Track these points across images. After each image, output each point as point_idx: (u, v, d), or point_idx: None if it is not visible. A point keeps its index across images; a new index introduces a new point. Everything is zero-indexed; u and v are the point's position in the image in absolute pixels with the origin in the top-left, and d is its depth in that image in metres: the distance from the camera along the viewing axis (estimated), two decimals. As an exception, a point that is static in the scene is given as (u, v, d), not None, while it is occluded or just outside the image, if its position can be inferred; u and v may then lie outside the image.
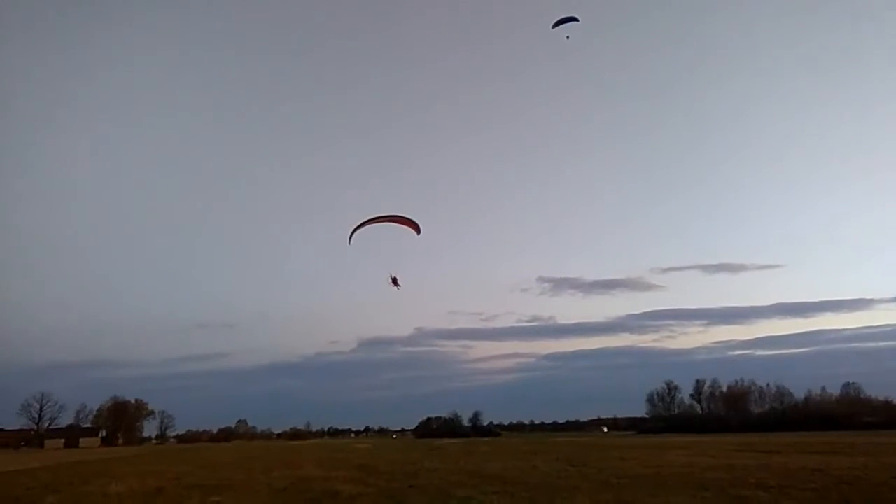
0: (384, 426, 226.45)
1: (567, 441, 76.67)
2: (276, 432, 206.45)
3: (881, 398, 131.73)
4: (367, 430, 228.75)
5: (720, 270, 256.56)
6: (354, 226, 33.47)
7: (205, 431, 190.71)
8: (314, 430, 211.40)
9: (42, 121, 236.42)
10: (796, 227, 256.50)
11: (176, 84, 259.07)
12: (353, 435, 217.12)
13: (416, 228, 33.86)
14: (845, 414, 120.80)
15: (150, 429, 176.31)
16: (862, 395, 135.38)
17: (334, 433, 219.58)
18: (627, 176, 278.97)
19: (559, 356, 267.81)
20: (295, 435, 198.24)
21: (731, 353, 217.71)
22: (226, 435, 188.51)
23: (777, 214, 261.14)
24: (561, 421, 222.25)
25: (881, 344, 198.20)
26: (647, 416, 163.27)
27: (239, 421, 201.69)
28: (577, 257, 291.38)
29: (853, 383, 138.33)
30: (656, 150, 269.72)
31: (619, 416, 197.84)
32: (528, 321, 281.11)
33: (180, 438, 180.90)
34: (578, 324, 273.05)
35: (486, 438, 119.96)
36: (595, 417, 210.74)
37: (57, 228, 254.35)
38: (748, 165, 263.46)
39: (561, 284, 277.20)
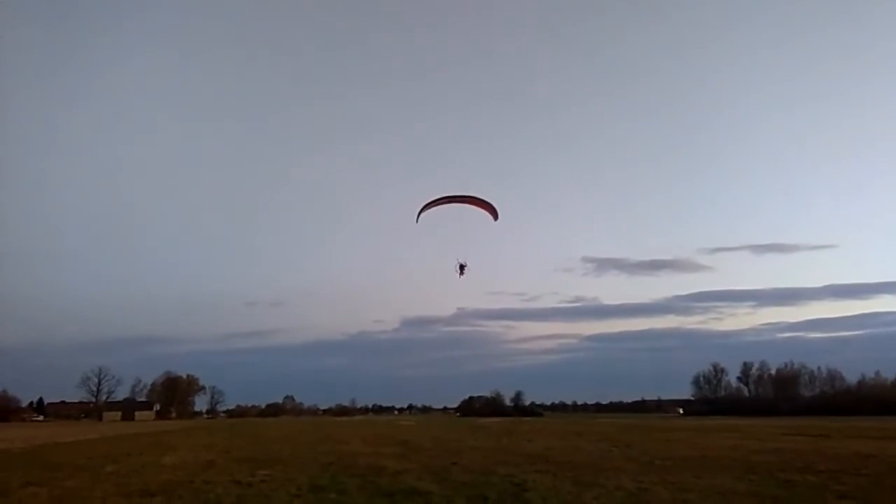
0: (427, 404, 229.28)
1: (610, 422, 76.24)
2: (321, 408, 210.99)
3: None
4: (410, 407, 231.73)
5: (770, 251, 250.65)
6: (424, 203, 31.06)
7: (253, 406, 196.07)
8: (359, 406, 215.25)
9: (86, 94, 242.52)
10: (850, 207, 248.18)
11: (236, 65, 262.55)
12: (396, 412, 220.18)
13: (494, 213, 31.37)
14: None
15: (201, 403, 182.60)
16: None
17: (378, 410, 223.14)
18: (674, 154, 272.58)
19: (603, 337, 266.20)
20: (340, 411, 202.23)
21: (780, 335, 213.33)
22: (273, 410, 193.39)
23: (830, 194, 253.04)
24: (604, 402, 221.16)
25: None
26: (692, 398, 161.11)
27: (286, 397, 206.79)
28: (622, 238, 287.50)
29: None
30: (704, 127, 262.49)
31: (663, 398, 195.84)
32: (571, 302, 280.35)
33: (230, 413, 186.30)
34: (623, 305, 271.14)
35: (528, 418, 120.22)
36: (639, 399, 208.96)
37: (114, 208, 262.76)
38: (801, 144, 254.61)
39: (605, 265, 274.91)
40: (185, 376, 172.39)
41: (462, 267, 31.45)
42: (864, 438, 33.30)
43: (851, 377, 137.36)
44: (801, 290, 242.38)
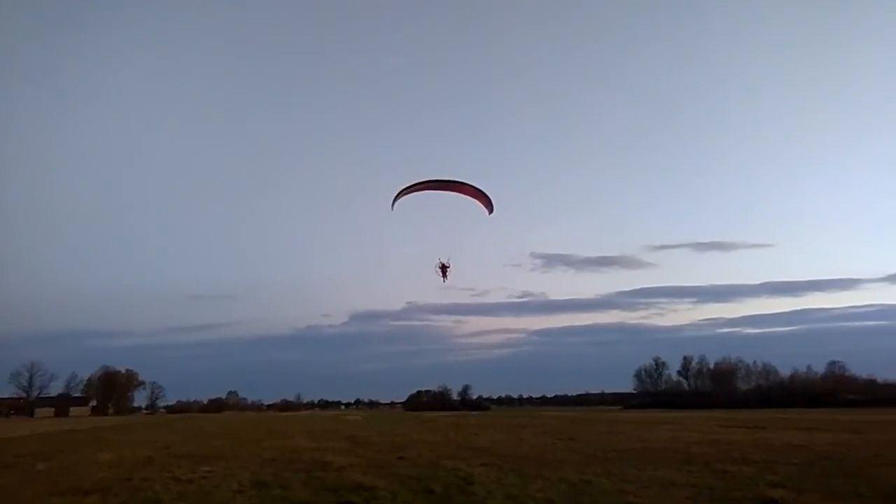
0: (374, 399, 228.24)
1: (554, 415, 77.51)
2: (266, 404, 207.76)
3: (865, 376, 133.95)
4: (357, 402, 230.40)
5: (711, 248, 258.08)
6: (402, 188, 27.23)
7: (195, 402, 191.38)
8: (305, 401, 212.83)
9: (36, 93, 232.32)
10: (787, 207, 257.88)
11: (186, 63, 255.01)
12: (343, 407, 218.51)
13: (489, 205, 27.70)
14: (829, 392, 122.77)
15: (140, 399, 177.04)
16: (846, 374, 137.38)
17: (325, 405, 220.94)
18: (621, 155, 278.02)
19: (550, 332, 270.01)
20: (285, 406, 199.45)
21: (718, 330, 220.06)
22: (216, 406, 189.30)
23: (769, 195, 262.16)
24: (550, 395, 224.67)
25: (867, 323, 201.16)
26: (634, 391, 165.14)
27: (230, 392, 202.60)
28: (570, 234, 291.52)
29: (838, 362, 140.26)
30: (651, 131, 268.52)
31: (606, 391, 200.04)
32: (519, 297, 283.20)
33: (170, 409, 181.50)
34: (570, 300, 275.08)
35: (474, 412, 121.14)
36: (583, 392, 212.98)
37: (49, 198, 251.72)
38: (742, 146, 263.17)
39: (553, 261, 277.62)
40: (123, 371, 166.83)
41: (444, 268, 27.86)
42: (795, 430, 34.72)
43: (784, 371, 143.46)
44: (739, 287, 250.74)
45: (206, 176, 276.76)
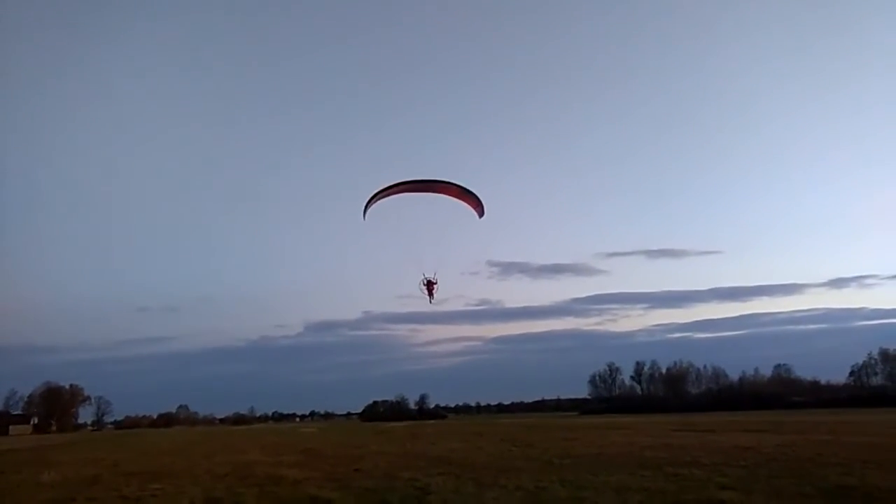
0: (330, 410, 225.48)
1: (511, 422, 77.89)
2: (218, 417, 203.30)
3: (809, 378, 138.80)
4: (312, 414, 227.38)
5: (662, 256, 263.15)
6: (375, 192, 24.12)
7: (144, 417, 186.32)
8: (258, 414, 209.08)
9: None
10: (734, 216, 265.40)
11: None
12: (298, 419, 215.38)
13: (479, 207, 25.13)
14: (776, 394, 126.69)
15: (85, 415, 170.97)
16: (792, 376, 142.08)
17: (279, 418, 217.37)
18: (575, 164, 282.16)
19: (506, 339, 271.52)
20: (238, 420, 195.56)
21: (670, 335, 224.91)
22: (166, 421, 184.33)
23: (717, 203, 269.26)
24: (506, 403, 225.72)
25: (811, 327, 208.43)
26: (589, 397, 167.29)
27: (180, 406, 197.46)
28: (526, 242, 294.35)
29: (784, 365, 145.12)
30: (604, 142, 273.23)
31: (562, 397, 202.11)
32: (476, 305, 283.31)
33: (118, 425, 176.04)
34: (526, 307, 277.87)
35: (432, 421, 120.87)
36: (539, 399, 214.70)
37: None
38: (691, 157, 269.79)
39: (509, 268, 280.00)
40: (67, 386, 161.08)
41: (430, 285, 24.68)
42: (744, 432, 35.66)
43: (733, 374, 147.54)
44: (689, 292, 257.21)
45: (153, 185, 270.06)
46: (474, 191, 24.88)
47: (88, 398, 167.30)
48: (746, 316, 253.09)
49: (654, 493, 13.86)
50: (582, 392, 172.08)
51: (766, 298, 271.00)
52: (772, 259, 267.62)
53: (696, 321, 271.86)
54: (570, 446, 28.43)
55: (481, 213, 25.42)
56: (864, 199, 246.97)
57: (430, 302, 25.07)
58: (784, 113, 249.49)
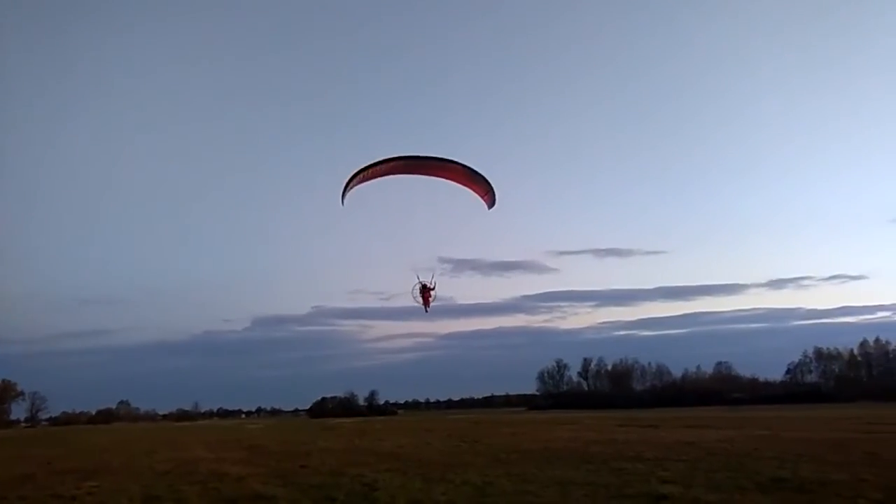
0: (277, 407, 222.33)
1: (460, 418, 78.27)
2: (161, 414, 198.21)
3: (748, 376, 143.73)
4: (258, 410, 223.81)
5: (610, 255, 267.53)
6: (358, 171, 20.71)
7: (82, 413, 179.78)
8: (202, 411, 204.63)
9: None
10: (679, 217, 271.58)
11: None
12: (243, 416, 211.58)
13: (490, 197, 22.18)
14: (717, 390, 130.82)
15: (19, 411, 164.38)
16: (732, 373, 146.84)
17: (224, 415, 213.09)
18: (527, 163, 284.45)
19: (457, 336, 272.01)
20: (182, 416, 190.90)
21: (616, 333, 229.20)
22: (105, 417, 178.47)
23: (663, 205, 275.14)
24: (456, 399, 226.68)
25: (751, 326, 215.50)
26: (537, 393, 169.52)
27: (120, 402, 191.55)
28: (478, 239, 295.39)
29: (724, 362, 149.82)
30: (555, 143, 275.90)
31: (511, 393, 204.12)
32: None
33: (54, 421, 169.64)
34: (476, 304, 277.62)
35: (381, 417, 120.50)
36: (489, 395, 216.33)
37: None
38: (640, 159, 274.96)
39: (461, 265, 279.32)
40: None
41: (426, 290, 22.09)
42: (685, 427, 36.70)
43: (677, 371, 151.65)
44: (635, 291, 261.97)
45: (95, 174, 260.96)
46: (484, 174, 21.54)
47: (22, 393, 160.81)
48: (690, 315, 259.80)
49: (598, 487, 14.09)
50: (530, 388, 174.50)
51: (708, 298, 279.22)
52: (715, 260, 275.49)
53: (642, 319, 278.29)
54: (517, 442, 28.74)
55: (491, 203, 22.33)
56: (800, 202, 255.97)
57: (426, 311, 22.31)
58: (726, 119, 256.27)
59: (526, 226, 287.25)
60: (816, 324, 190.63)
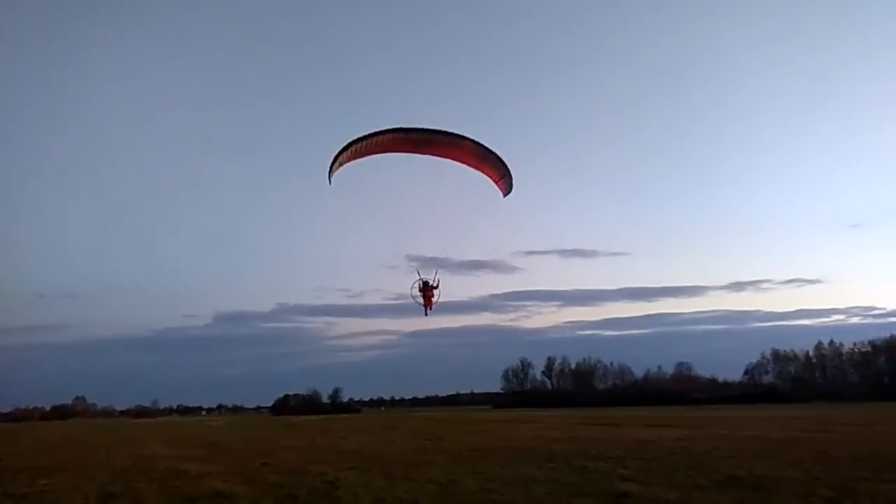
0: (239, 404, 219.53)
1: (425, 416, 78.28)
2: (118, 410, 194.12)
3: (708, 376, 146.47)
4: (220, 407, 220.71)
5: (575, 255, 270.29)
6: (349, 144, 18.08)
7: (36, 409, 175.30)
8: (162, 407, 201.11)
9: None
10: (642, 219, 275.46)
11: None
12: (204, 413, 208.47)
13: (505, 182, 20.10)
14: (677, 390, 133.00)
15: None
16: (692, 374, 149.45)
17: (184, 411, 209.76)
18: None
19: (423, 334, 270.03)
20: (140, 413, 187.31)
21: (580, 332, 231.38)
22: (61, 413, 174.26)
23: (627, 207, 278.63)
24: (421, 397, 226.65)
25: (711, 327, 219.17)
26: (502, 391, 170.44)
27: (77, 398, 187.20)
28: (446, 238, 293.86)
29: (685, 363, 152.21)
30: (523, 144, 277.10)
31: (476, 391, 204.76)
32: (394, 299, 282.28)
33: (6, 416, 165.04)
34: (444, 302, 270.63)
35: (345, 415, 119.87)
36: (454, 393, 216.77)
37: None
38: (602, 163, 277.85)
39: (429, 264, 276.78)
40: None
41: (427, 288, 19.99)
42: (646, 426, 37.26)
43: (638, 371, 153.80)
44: (599, 291, 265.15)
45: (54, 166, 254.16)
46: (500, 155, 18.96)
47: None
48: (652, 315, 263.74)
49: (560, 485, 14.22)
50: (496, 386, 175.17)
51: (670, 299, 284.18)
52: (677, 262, 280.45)
53: (605, 319, 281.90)
54: (481, 440, 28.85)
55: (507, 189, 20.15)
56: (760, 207, 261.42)
57: (427, 313, 20.10)
58: (688, 124, 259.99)
59: (494, 226, 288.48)
60: (774, 326, 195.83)
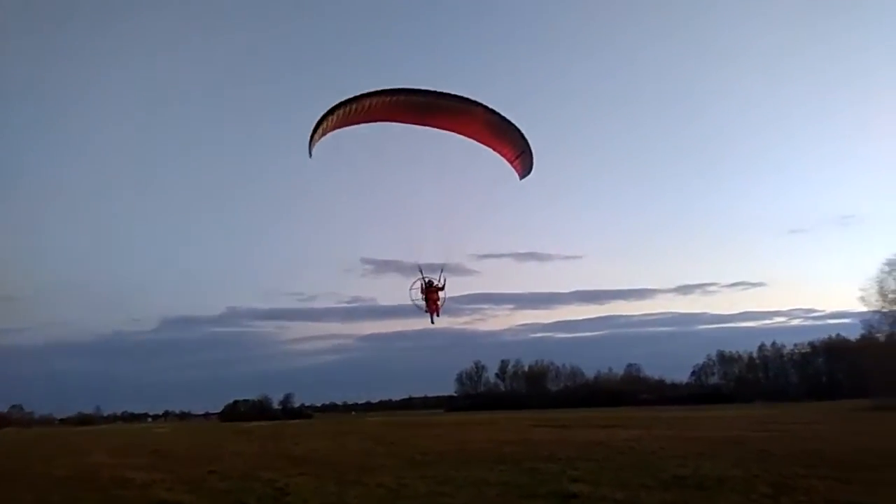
0: (187, 410, 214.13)
1: (378, 421, 77.89)
2: (58, 418, 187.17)
3: (656, 377, 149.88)
4: (166, 414, 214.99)
5: (530, 259, 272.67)
6: (337, 106, 15.26)
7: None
8: (106, 414, 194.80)
9: None
10: (595, 222, 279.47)
11: None
12: (150, 420, 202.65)
13: (523, 161, 17.45)
14: (627, 391, 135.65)
15: None
16: (641, 375, 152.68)
17: (129, 418, 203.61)
18: (449, 170, 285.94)
19: (377, 337, 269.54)
20: (82, 420, 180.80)
21: (533, 335, 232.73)
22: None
23: (579, 211, 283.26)
24: (374, 401, 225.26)
25: (660, 329, 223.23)
26: (456, 394, 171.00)
27: (13, 406, 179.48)
28: (401, 241, 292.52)
29: (634, 364, 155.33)
30: (476, 149, 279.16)
31: (430, 395, 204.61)
32: (348, 302, 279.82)
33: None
34: (399, 306, 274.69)
35: (296, 421, 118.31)
36: (407, 397, 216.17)
37: None
38: (558, 166, 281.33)
39: (384, 267, 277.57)
40: None
41: (431, 289, 17.45)
42: (596, 428, 37.87)
43: (589, 373, 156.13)
44: (553, 294, 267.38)
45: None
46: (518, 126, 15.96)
47: None
48: (603, 318, 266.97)
49: (511, 487, 14.36)
50: (449, 390, 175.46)
51: (621, 302, 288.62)
52: (627, 265, 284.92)
53: (558, 321, 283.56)
54: (433, 443, 28.86)
55: (526, 170, 17.57)
56: (706, 212, 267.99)
57: (433, 322, 17.55)
58: (636, 129, 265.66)
59: (450, 228, 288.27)
60: (720, 328, 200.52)
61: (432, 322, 17.66)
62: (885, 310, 66.58)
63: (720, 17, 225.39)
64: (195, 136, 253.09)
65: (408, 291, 17.83)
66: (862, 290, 68.59)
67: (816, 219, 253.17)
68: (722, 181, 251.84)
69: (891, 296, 65.69)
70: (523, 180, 18.21)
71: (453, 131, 16.36)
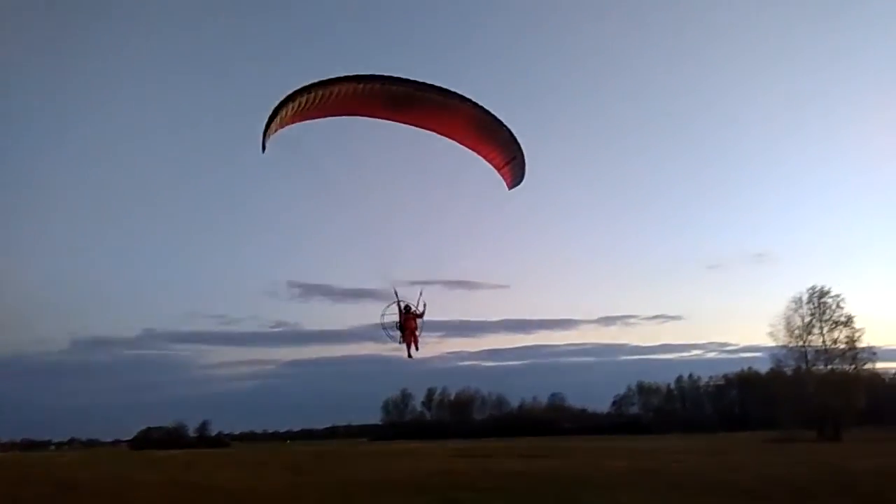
0: (94, 437, 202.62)
1: (299, 450, 75.82)
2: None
3: (579, 407, 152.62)
4: (71, 441, 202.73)
5: (459, 287, 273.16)
6: (304, 87, 12.78)
7: None
8: (3, 441, 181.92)
9: None
10: (522, 252, 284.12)
11: None
12: (53, 447, 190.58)
13: (513, 168, 15.64)
14: (550, 420, 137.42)
15: None
16: (565, 404, 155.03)
17: (29, 446, 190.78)
18: (380, 193, 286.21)
19: (302, 363, 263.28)
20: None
21: (460, 363, 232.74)
22: None
23: (506, 240, 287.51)
24: (296, 429, 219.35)
25: (582, 359, 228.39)
26: (381, 423, 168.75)
27: None
28: (330, 265, 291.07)
29: (558, 394, 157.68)
30: (409, 173, 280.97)
31: (354, 423, 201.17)
32: (273, 326, 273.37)
33: None
34: (325, 331, 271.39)
35: (213, 449, 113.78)
36: (332, 425, 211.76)
37: None
38: (483, 195, 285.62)
39: (311, 291, 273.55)
40: None
41: (409, 320, 15.82)
42: (518, 457, 38.05)
43: (515, 401, 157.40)
44: (481, 323, 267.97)
45: None
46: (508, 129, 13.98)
47: None
48: (529, 347, 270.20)
49: (430, 519, 14.17)
50: (376, 418, 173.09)
51: (546, 331, 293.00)
52: (552, 296, 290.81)
53: (485, 350, 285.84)
54: (354, 473, 28.30)
55: (516, 179, 15.76)
56: (628, 246, 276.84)
57: (410, 355, 15.75)
58: (565, 161, 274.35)
59: (379, 254, 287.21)
60: (640, 359, 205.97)
61: (409, 356, 15.97)
62: (791, 345, 70.35)
63: (630, 69, 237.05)
64: (109, 142, 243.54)
65: (378, 317, 16.08)
66: (771, 325, 72.17)
67: (732, 255, 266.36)
68: (646, 220, 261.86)
69: (796, 332, 69.71)
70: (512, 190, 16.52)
71: (433, 130, 14.55)
